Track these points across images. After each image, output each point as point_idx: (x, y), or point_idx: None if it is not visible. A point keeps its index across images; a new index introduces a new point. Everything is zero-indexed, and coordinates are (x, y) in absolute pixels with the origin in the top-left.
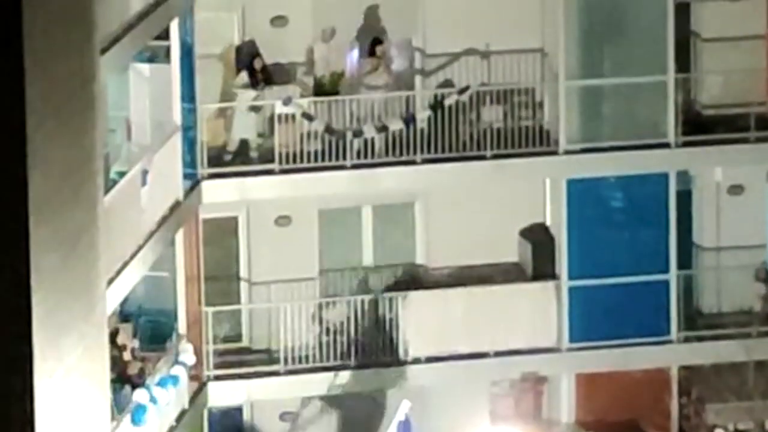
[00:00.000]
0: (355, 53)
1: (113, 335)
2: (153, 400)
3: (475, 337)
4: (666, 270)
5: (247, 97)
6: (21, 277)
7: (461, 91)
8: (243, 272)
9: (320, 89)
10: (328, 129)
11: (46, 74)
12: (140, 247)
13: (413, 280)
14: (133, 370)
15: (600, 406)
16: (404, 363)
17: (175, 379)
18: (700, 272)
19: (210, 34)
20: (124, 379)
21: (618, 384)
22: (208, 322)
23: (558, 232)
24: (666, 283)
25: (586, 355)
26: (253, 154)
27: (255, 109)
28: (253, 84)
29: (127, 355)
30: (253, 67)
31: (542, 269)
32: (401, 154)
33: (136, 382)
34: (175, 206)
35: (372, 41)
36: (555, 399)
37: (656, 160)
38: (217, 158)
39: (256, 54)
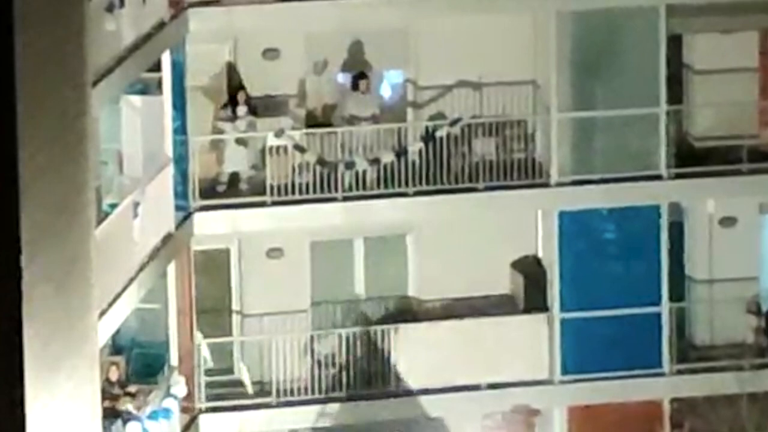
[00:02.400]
0: (344, 80)
1: (104, 369)
2: None
3: (467, 369)
4: (658, 302)
5: (238, 128)
6: (14, 310)
7: (453, 123)
8: (235, 304)
9: (312, 121)
10: (320, 161)
11: (37, 107)
12: (132, 279)
13: (405, 312)
14: (125, 403)
15: None
16: (397, 395)
17: (167, 412)
18: (692, 304)
19: (202, 65)
20: (116, 412)
21: (610, 416)
22: (200, 353)
23: (550, 264)
24: (658, 316)
25: (578, 387)
26: (243, 186)
27: (242, 142)
28: (232, 118)
29: (118, 389)
30: (236, 99)
31: (534, 301)
32: (393, 186)
33: (128, 416)
34: (167, 238)
35: (356, 75)
36: (547, 431)
37: (648, 192)
38: (208, 190)
39: (240, 87)
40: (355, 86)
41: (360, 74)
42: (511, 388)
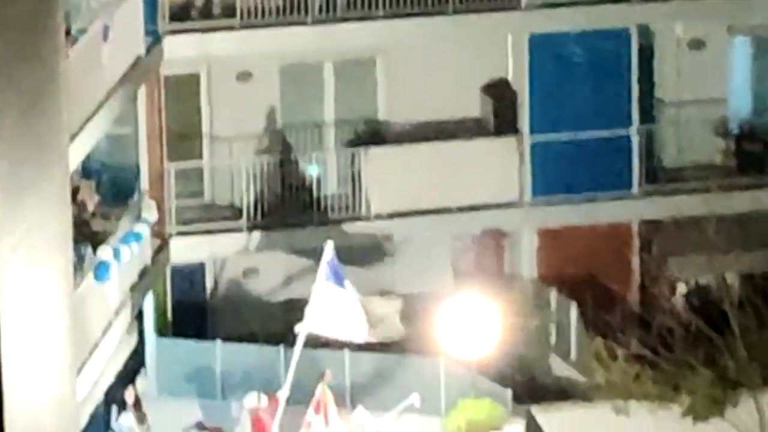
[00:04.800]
0: None
1: (75, 192)
2: (116, 256)
3: (438, 192)
4: (628, 124)
5: None
6: None
7: None
8: (205, 128)
9: None
10: None
11: None
12: (102, 104)
13: (375, 135)
14: (96, 227)
15: (561, 261)
16: (367, 218)
17: (138, 236)
18: (661, 127)
19: None
20: (86, 236)
21: (579, 239)
22: (171, 178)
23: (520, 87)
24: (627, 138)
25: (547, 209)
26: (216, 9)
27: None
28: None
29: (89, 213)
30: None
31: (504, 124)
32: (363, 9)
33: (99, 240)
34: (137, 62)
35: None
36: (516, 254)
37: (617, 14)
38: (179, 14)
39: None
40: None
41: None
42: (481, 210)
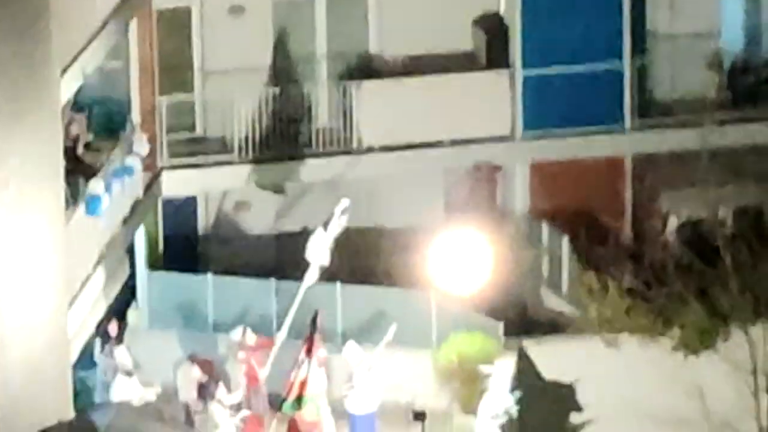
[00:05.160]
0: None
1: (67, 126)
2: (107, 190)
3: (429, 125)
4: (620, 58)
5: None
6: None
7: None
8: (197, 62)
9: None
10: None
11: None
12: (94, 36)
13: (367, 68)
14: (89, 161)
15: (553, 195)
16: (359, 152)
17: (129, 170)
18: (654, 60)
19: None
20: (78, 169)
21: (572, 173)
22: (163, 112)
23: (512, 20)
24: (620, 71)
25: (540, 143)
26: None
27: None
28: None
29: (81, 146)
30: None
31: (496, 58)
32: None
33: (93, 174)
34: None
35: None
36: (509, 188)
37: None
38: None
39: None
40: None
41: None
42: (473, 144)
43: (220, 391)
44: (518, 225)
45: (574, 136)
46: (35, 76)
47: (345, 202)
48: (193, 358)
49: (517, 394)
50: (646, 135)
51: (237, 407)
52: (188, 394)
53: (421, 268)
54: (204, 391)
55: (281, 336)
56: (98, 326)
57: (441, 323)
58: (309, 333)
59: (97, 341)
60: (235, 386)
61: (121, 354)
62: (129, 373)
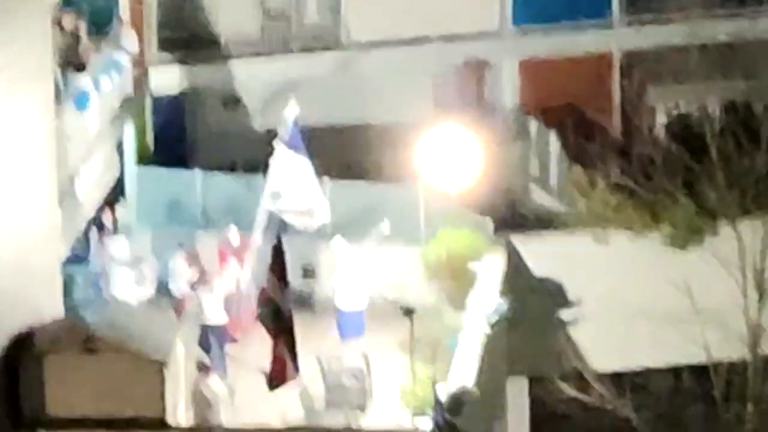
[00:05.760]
0: None
1: (58, 22)
2: (96, 86)
3: (418, 21)
4: None
5: None
6: None
7: None
8: None
9: None
10: None
11: None
12: None
13: None
14: (84, 57)
15: (542, 91)
16: (347, 48)
17: (117, 65)
18: None
19: None
20: (78, 65)
21: (560, 68)
22: (152, 7)
23: None
24: None
25: (528, 39)
26: None
27: None
28: None
29: (82, 43)
30: None
31: None
32: None
33: (80, 67)
34: None
35: None
36: (497, 84)
37: None
38: None
39: None
40: None
41: None
42: (462, 40)
43: (209, 282)
44: (507, 121)
45: (562, 31)
46: None
47: (293, 106)
48: (183, 251)
49: (506, 289)
50: (634, 30)
51: (224, 300)
52: (178, 286)
53: (410, 164)
54: (193, 284)
55: (256, 239)
56: (90, 221)
57: (430, 219)
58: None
59: (93, 230)
60: (222, 281)
61: (119, 245)
62: (128, 265)
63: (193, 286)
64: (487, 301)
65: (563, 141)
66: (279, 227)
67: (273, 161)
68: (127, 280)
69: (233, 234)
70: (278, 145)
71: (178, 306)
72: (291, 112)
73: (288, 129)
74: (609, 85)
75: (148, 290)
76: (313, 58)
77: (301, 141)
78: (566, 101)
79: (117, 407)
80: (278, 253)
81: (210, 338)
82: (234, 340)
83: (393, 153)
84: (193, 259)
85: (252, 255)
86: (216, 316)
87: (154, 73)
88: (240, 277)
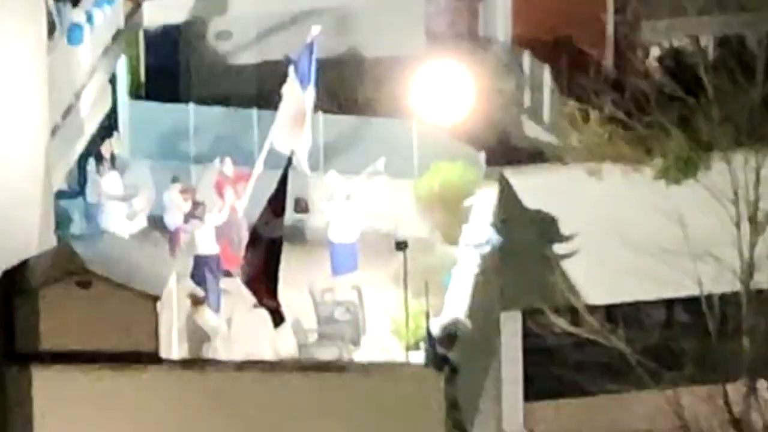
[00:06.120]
0: None
1: None
2: (89, 20)
3: None
4: None
5: None
6: None
7: None
8: None
9: None
10: None
11: None
12: None
13: None
14: None
15: (536, 24)
16: None
17: None
18: None
19: None
20: None
21: (554, 2)
22: None
23: None
24: None
25: None
26: None
27: None
28: None
29: None
30: None
31: None
32: None
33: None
34: None
35: None
36: (491, 16)
37: None
38: None
39: None
40: None
41: None
42: None
43: (203, 215)
44: (500, 54)
45: None
46: None
47: (316, 29)
48: (177, 184)
49: (499, 223)
50: None
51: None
52: (172, 218)
53: (403, 97)
54: (187, 217)
55: (258, 168)
56: (82, 154)
57: (423, 152)
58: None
59: (90, 163)
60: (216, 212)
61: (111, 180)
62: (122, 199)
63: (186, 219)
64: (480, 234)
65: (556, 75)
66: (289, 156)
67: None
68: (119, 215)
69: (228, 166)
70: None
71: (172, 240)
72: (312, 36)
73: (303, 55)
74: (603, 19)
75: (141, 224)
76: None
77: (309, 73)
78: (560, 35)
79: (110, 341)
80: (283, 184)
81: (204, 271)
82: (229, 274)
83: (386, 86)
84: (187, 191)
85: (251, 184)
86: (209, 247)
87: (147, 6)
88: (236, 207)
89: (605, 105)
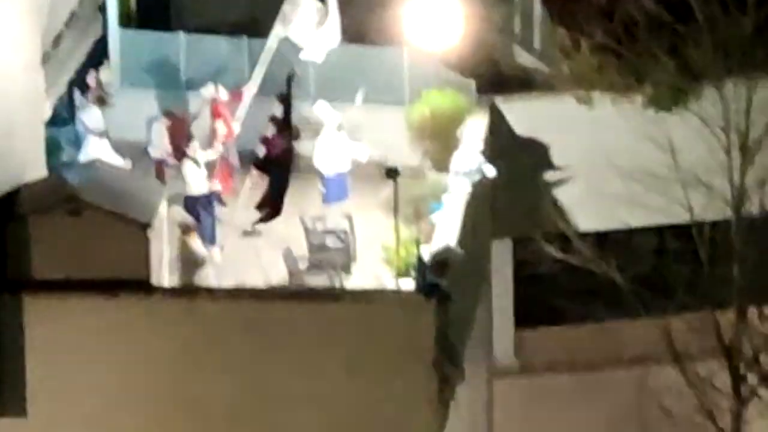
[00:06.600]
0: None
1: None
2: None
3: None
4: None
5: None
6: None
7: None
8: None
9: None
10: None
11: None
12: None
13: None
14: None
15: None
16: None
17: None
18: None
19: None
20: None
21: None
22: None
23: None
24: None
25: None
26: None
27: None
28: None
29: None
30: None
31: None
32: None
33: None
34: None
35: None
36: None
37: None
38: None
39: None
40: None
41: None
42: None
43: (193, 147)
44: None
45: None
46: None
47: None
48: (167, 114)
49: (490, 150)
50: None
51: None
52: (161, 150)
53: (394, 25)
54: (177, 148)
55: (251, 89)
56: (72, 81)
57: (414, 80)
58: (284, 94)
59: (76, 92)
60: (207, 143)
61: (93, 115)
62: (101, 135)
63: (175, 154)
64: (471, 161)
65: (546, 1)
66: (289, 74)
67: None
68: (104, 149)
69: (222, 91)
70: None
71: (158, 171)
72: None
73: None
74: None
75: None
76: None
77: None
78: None
79: (101, 269)
80: (286, 99)
81: (197, 209)
82: (222, 203)
83: (377, 14)
84: (178, 121)
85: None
86: (200, 186)
87: None
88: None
89: (596, 33)
